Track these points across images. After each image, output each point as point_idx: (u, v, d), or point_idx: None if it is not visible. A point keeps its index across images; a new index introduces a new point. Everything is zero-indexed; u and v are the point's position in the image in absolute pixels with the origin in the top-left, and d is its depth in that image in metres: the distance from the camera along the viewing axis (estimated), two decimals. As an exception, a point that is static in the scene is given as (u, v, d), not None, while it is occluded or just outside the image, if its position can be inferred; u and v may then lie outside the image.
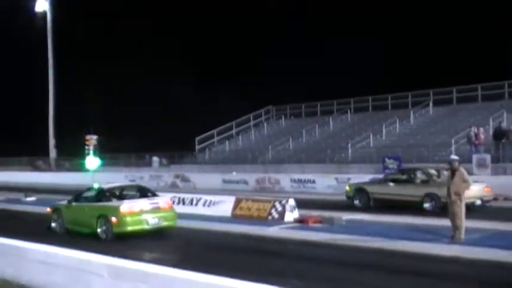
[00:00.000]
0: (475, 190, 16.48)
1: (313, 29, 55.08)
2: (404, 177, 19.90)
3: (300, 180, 28.63)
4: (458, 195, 12.89)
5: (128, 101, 61.89)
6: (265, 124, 44.21)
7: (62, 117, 52.82)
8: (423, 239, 13.21)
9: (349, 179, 24.50)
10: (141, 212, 15.02)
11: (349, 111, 39.97)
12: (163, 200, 16.07)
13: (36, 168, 53.29)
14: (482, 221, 15.24)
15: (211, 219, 18.05)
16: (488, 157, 24.26)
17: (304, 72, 53.76)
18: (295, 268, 11.20)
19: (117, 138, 46.40)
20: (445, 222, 13.74)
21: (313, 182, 27.84)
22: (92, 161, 34.74)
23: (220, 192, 25.35)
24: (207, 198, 20.07)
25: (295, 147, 37.14)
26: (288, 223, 16.73)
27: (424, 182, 18.94)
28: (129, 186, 17.24)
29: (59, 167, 51.18)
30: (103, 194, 15.91)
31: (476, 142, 25.74)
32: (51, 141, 52.37)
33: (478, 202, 17.69)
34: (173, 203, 20.45)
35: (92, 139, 35.57)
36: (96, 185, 17.61)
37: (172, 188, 33.48)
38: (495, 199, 20.22)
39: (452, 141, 27.79)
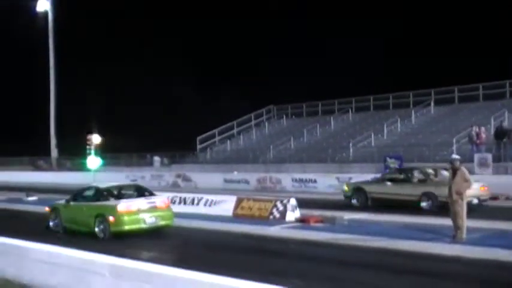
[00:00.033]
0: (472, 189, 16.50)
1: (314, 29, 55.24)
2: (401, 176, 20.02)
3: (301, 180, 28.63)
4: (460, 194, 12.89)
5: (129, 101, 62.01)
6: (266, 124, 44.21)
7: (63, 117, 52.89)
8: (425, 239, 13.21)
9: (350, 178, 24.48)
10: (139, 211, 15.13)
11: (350, 111, 39.95)
12: (161, 199, 16.17)
13: (37, 168, 53.36)
14: (483, 220, 15.24)
15: (212, 219, 18.06)
16: (489, 156, 24.24)
17: (306, 72, 53.89)
18: (296, 268, 11.20)
19: (118, 138, 46.44)
20: (446, 221, 13.74)
21: (315, 181, 27.84)
22: (93, 161, 34.79)
23: (221, 191, 25.35)
24: (209, 198, 20.07)
25: (297, 146, 37.13)
26: (289, 223, 16.73)
27: (421, 181, 19.03)
28: (127, 186, 17.34)
29: (60, 167, 51.22)
30: (101, 194, 16.00)
31: (478, 141, 25.73)
32: (53, 141, 52.40)
33: (475, 201, 17.70)
34: (174, 202, 20.63)
35: (93, 139, 35.60)
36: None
37: (174, 187, 33.49)
38: (496, 198, 20.26)
39: (454, 140, 27.77)
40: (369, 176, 23.00)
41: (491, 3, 45.84)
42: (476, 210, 16.89)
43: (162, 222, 15.56)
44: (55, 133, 52.30)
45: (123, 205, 15.05)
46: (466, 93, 34.69)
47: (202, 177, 34.11)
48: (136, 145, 47.53)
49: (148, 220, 15.20)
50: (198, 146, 42.70)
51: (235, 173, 32.78)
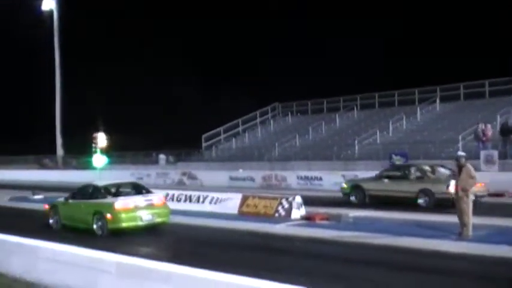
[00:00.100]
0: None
1: (317, 29, 55.32)
2: (399, 173, 20.15)
3: (306, 178, 28.60)
4: (465, 191, 12.88)
5: (135, 100, 62.19)
6: (271, 121, 44.19)
7: (68, 116, 53.03)
8: (431, 236, 13.19)
9: (356, 175, 24.46)
10: (136, 209, 15.36)
11: (355, 108, 39.89)
12: (157, 196, 16.40)
13: (43, 167, 53.52)
14: (489, 217, 15.21)
15: (218, 217, 18.10)
16: (495, 153, 24.17)
17: (311, 70, 53.91)
18: (302, 265, 11.21)
19: (124, 136, 46.54)
20: (452, 218, 13.72)
21: (320, 179, 27.82)
22: (99, 159, 34.87)
23: (227, 189, 25.42)
24: (214, 196, 20.10)
25: (302, 144, 37.10)
26: (294, 220, 16.74)
27: (419, 178, 19.16)
28: (125, 184, 17.52)
29: (66, 165, 51.36)
30: (98, 191, 16.24)
31: (484, 138, 25.65)
32: (59, 140, 52.56)
33: (472, 198, 17.66)
34: (180, 200, 20.72)
35: (99, 137, 35.67)
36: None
37: (179, 185, 33.53)
38: (502, 195, 20.23)
39: (460, 137, 27.70)
40: (374, 174, 23.01)
41: (494, 0, 45.83)
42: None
43: (159, 220, 15.80)
44: (61, 131, 52.45)
45: (120, 202, 15.30)
46: (472, 90, 34.53)
47: (207, 175, 34.15)
48: (142, 143, 47.65)
49: (145, 217, 15.44)
50: (204, 144, 42.73)
51: (241, 170, 32.79)
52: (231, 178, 31.95)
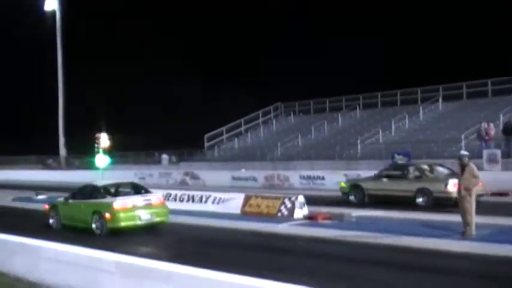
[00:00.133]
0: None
1: (318, 29, 55.27)
2: (397, 173, 20.23)
3: (309, 177, 28.59)
4: (468, 190, 12.84)
5: (137, 100, 62.26)
6: (274, 121, 44.18)
7: (71, 116, 53.09)
8: (434, 235, 13.15)
9: (358, 175, 24.45)
10: (134, 208, 15.49)
11: (358, 108, 39.85)
12: (156, 196, 16.52)
13: (46, 167, 53.62)
14: (493, 216, 15.15)
15: (221, 217, 18.09)
16: (498, 152, 24.13)
17: (313, 70, 54.02)
18: (305, 265, 11.19)
19: (126, 136, 46.62)
20: (455, 218, 13.69)
21: (323, 178, 27.80)
22: (101, 159, 34.90)
23: (229, 189, 25.41)
24: (217, 196, 20.09)
25: (304, 143, 37.08)
26: (297, 220, 16.72)
27: (417, 178, 19.22)
28: (124, 184, 17.62)
29: (69, 165, 51.43)
30: (98, 191, 16.37)
31: (487, 137, 25.61)
32: (61, 140, 52.59)
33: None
34: (183, 200, 20.73)
35: (102, 137, 35.73)
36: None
37: (182, 185, 33.53)
38: (505, 194, 20.18)
39: (462, 136, 27.66)
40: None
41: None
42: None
43: (157, 219, 15.92)
44: (63, 132, 52.52)
45: (119, 202, 15.44)
46: (475, 89, 34.47)
47: (210, 175, 34.16)
48: (144, 143, 47.71)
49: (144, 217, 15.57)
50: (206, 144, 42.73)
51: (243, 170, 32.78)
52: (234, 178, 31.95)
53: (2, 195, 29.27)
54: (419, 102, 36.56)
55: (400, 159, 26.54)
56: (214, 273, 6.88)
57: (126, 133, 47.60)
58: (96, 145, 35.77)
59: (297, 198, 17.50)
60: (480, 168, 18.23)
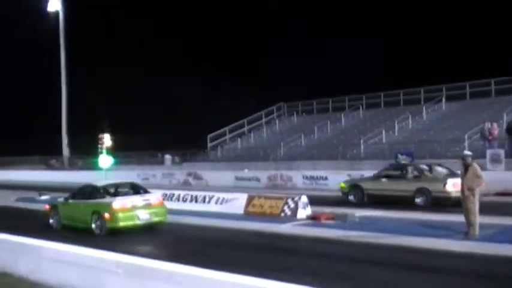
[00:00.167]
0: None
1: (321, 29, 55.27)
2: (396, 173, 20.30)
3: (312, 177, 28.56)
4: (472, 190, 12.82)
5: (140, 100, 62.26)
6: (276, 121, 44.18)
7: (74, 116, 53.18)
8: (437, 235, 13.13)
9: (362, 175, 24.43)
10: (133, 208, 15.63)
11: (361, 108, 39.84)
12: (155, 196, 16.64)
13: (49, 167, 53.69)
14: (496, 216, 15.12)
15: (224, 217, 18.10)
16: (502, 152, 24.08)
17: (316, 70, 53.96)
18: (308, 265, 11.19)
19: (129, 136, 46.65)
20: (458, 218, 13.65)
21: (326, 178, 27.77)
22: (104, 160, 34.92)
23: (232, 189, 25.40)
24: (220, 196, 20.11)
25: (307, 144, 37.07)
26: (300, 220, 16.72)
27: (416, 178, 19.27)
28: (123, 184, 17.73)
29: (72, 166, 51.50)
30: (97, 191, 16.51)
31: (490, 137, 25.56)
32: (64, 140, 52.70)
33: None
34: (186, 200, 20.75)
35: (105, 138, 35.72)
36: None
37: (185, 185, 33.55)
38: (509, 194, 20.11)
39: (466, 136, 27.61)
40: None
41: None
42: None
43: (156, 219, 16.06)
44: (67, 132, 52.59)
45: (118, 202, 15.58)
46: (478, 88, 34.46)
47: (213, 175, 34.16)
48: (147, 144, 47.73)
49: (143, 217, 15.70)
50: (209, 144, 42.76)
51: (246, 170, 32.78)
52: (237, 178, 31.94)
53: (5, 195, 29.36)
54: (422, 102, 36.54)
55: (404, 159, 26.49)
56: (218, 273, 6.88)
57: (128, 133, 47.60)
58: (99, 145, 35.71)
59: (300, 198, 17.50)
60: (483, 168, 18.25)
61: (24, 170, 51.77)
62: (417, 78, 39.61)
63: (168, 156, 43.43)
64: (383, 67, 47.57)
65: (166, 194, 21.25)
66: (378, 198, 19.89)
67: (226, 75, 59.04)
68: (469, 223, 12.78)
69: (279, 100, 45.14)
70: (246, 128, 43.35)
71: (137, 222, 15.63)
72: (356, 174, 25.35)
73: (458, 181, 16.88)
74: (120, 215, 15.36)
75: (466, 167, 13.02)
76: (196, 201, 20.62)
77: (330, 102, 41.99)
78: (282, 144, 37.20)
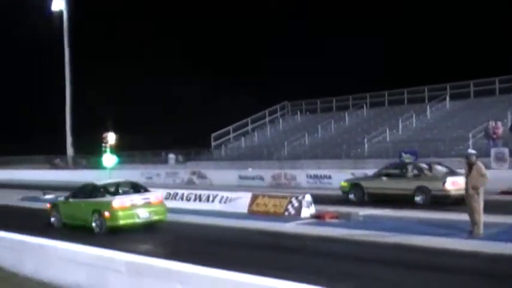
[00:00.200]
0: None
1: (321, 29, 55.31)
2: (396, 171, 20.33)
3: (316, 176, 28.57)
4: (476, 189, 12.79)
5: (144, 100, 62.38)
6: (280, 120, 44.18)
7: (78, 116, 53.28)
8: (441, 234, 13.12)
9: (365, 174, 24.42)
10: (133, 207, 15.77)
11: (365, 106, 39.79)
12: (155, 195, 16.77)
13: (53, 166, 53.84)
14: (501, 215, 15.09)
15: (228, 216, 18.12)
16: (506, 151, 24.02)
17: (319, 70, 53.95)
18: (312, 264, 11.19)
19: (133, 136, 46.68)
20: (462, 216, 13.64)
21: (330, 177, 27.74)
22: (108, 159, 34.96)
23: (236, 188, 25.42)
24: (224, 195, 20.13)
25: (311, 142, 37.06)
26: (304, 219, 16.72)
27: (416, 176, 19.31)
28: (123, 183, 17.82)
29: (76, 165, 51.62)
30: (98, 190, 16.66)
31: (494, 136, 25.50)
32: (69, 139, 52.81)
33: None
34: (190, 199, 20.78)
35: (109, 137, 35.75)
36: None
37: (189, 184, 33.57)
38: (511, 193, 20.10)
39: (470, 135, 27.57)
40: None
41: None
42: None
43: (156, 217, 16.19)
44: (71, 131, 52.70)
45: (117, 201, 15.73)
46: (482, 87, 34.38)
47: (217, 174, 34.19)
48: (151, 143, 47.78)
49: (142, 215, 15.83)
50: (213, 143, 42.80)
51: (250, 169, 32.79)
52: (241, 177, 31.96)
53: (10, 194, 29.49)
54: (426, 100, 36.48)
55: (408, 158, 26.43)
56: (222, 272, 6.89)
57: (132, 133, 47.63)
58: (103, 144, 35.75)
59: (304, 197, 17.50)
60: (488, 166, 18.17)
61: (28, 169, 51.93)
62: (421, 77, 39.62)
63: (172, 156, 43.49)
64: (383, 67, 47.61)
65: (170, 193, 21.33)
66: (377, 197, 19.93)
67: (226, 75, 59.13)
68: (474, 222, 12.76)
69: (283, 99, 45.17)
70: (249, 127, 43.39)
71: (137, 220, 15.76)
72: (360, 173, 25.34)
73: (457, 179, 17.04)
74: (120, 213, 15.49)
75: (470, 166, 12.99)
76: (200, 200, 20.65)
77: (334, 101, 41.96)
78: (285, 143, 37.20)
